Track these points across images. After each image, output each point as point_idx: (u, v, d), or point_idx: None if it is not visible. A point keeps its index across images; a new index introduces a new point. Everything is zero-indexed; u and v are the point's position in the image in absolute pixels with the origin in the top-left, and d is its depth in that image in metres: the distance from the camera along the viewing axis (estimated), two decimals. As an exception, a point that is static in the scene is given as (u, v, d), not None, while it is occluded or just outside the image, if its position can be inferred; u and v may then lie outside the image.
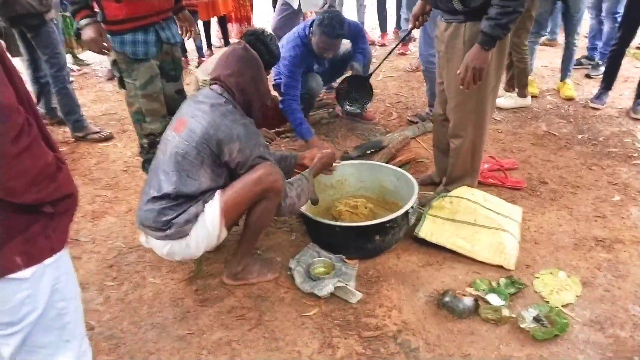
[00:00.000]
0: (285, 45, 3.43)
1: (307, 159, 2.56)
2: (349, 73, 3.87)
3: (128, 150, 3.82)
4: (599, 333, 1.95)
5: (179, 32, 2.84)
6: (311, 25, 3.38)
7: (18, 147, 0.95)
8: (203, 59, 5.94)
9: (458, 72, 2.31)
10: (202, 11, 5.77)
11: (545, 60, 5.29)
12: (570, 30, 4.18)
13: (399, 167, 3.03)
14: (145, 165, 2.75)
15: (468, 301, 2.07)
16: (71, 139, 4.00)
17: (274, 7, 4.76)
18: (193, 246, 2.09)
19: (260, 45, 2.34)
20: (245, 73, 2.18)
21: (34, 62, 3.92)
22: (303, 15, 4.36)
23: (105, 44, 2.47)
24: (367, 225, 2.33)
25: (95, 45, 2.46)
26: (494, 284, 2.20)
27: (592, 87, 4.51)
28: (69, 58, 5.97)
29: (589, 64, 5.03)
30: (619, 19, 4.29)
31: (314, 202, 2.53)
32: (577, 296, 2.13)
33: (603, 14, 4.76)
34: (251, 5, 6.62)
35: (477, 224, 2.46)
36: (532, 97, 4.30)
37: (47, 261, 1.11)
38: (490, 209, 2.53)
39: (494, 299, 2.10)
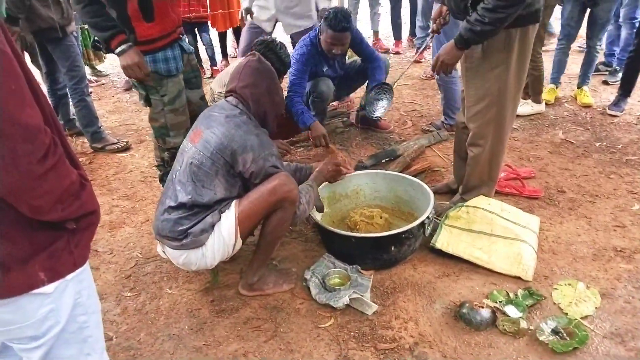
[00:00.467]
0: (295, 46, 3.51)
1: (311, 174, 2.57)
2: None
3: (145, 160, 3.86)
4: (620, 346, 1.92)
5: None
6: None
7: (44, 167, 0.97)
8: (215, 68, 6.01)
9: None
10: (219, 22, 5.85)
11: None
12: (592, 35, 4.15)
13: (414, 176, 3.02)
14: (164, 178, 2.77)
15: (485, 313, 2.05)
16: (89, 150, 4.06)
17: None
18: (209, 256, 2.11)
19: (271, 54, 2.37)
20: (259, 84, 2.21)
21: (51, 74, 4.00)
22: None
23: (146, 69, 2.46)
24: (383, 236, 2.32)
25: (140, 69, 2.43)
26: (511, 295, 2.18)
27: (610, 93, 4.46)
28: (87, 69, 6.09)
29: (607, 70, 4.98)
30: (637, 25, 4.25)
31: (320, 209, 2.55)
32: (596, 308, 2.09)
33: (620, 19, 4.71)
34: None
35: (494, 234, 2.44)
36: (546, 104, 4.27)
37: (69, 276, 1.13)
38: (507, 219, 2.51)
39: (512, 311, 2.08)
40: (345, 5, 6.48)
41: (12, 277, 1.04)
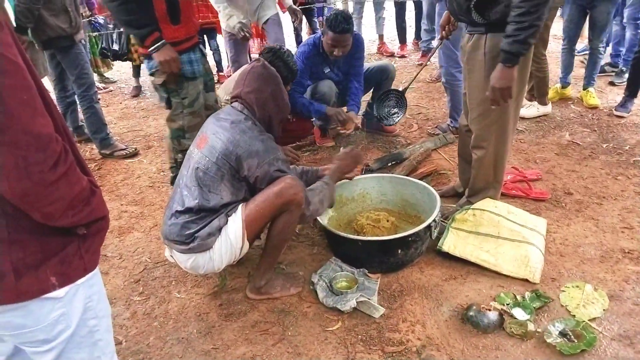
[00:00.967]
0: (299, 47, 3.61)
1: (328, 171, 2.59)
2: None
3: (153, 166, 3.89)
4: (629, 348, 1.91)
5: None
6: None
7: (56, 175, 0.99)
8: (222, 74, 6.04)
9: (487, 93, 2.29)
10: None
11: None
12: (593, 37, 4.15)
13: (421, 179, 3.03)
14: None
15: (493, 315, 2.05)
16: (98, 156, 4.10)
17: (294, 22, 4.75)
18: (216, 259, 2.13)
19: (279, 62, 2.39)
20: (264, 90, 2.23)
21: (60, 82, 4.04)
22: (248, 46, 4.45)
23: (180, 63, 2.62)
24: (390, 239, 2.33)
25: (175, 63, 2.59)
26: (519, 297, 2.18)
27: (616, 94, 4.45)
28: (95, 76, 6.14)
29: (613, 71, 4.97)
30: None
31: (331, 205, 2.57)
32: (604, 310, 2.09)
33: (625, 20, 4.70)
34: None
35: (501, 236, 2.44)
36: (552, 103, 4.28)
37: (80, 280, 1.15)
38: (514, 221, 2.51)
39: (519, 313, 2.08)
40: (350, 9, 6.52)
41: (24, 282, 1.06)
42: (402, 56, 6.35)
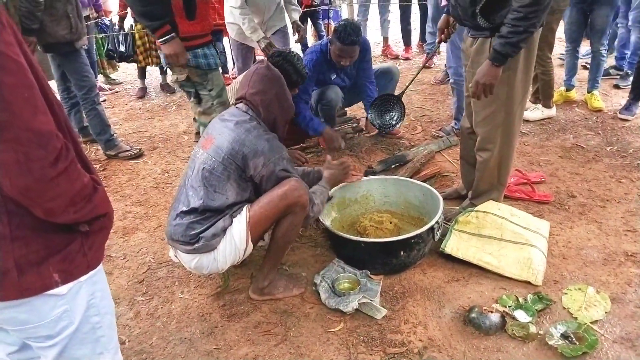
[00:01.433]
0: (305, 54, 3.56)
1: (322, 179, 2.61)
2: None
3: (158, 167, 3.92)
4: (630, 351, 1.91)
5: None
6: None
7: (56, 171, 1.01)
8: (227, 75, 6.06)
9: (470, 85, 2.33)
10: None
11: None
12: (593, 40, 4.18)
13: (424, 181, 3.04)
14: None
15: (495, 317, 2.05)
16: (103, 157, 4.13)
17: (296, 39, 4.67)
18: (220, 260, 2.15)
19: (288, 66, 2.41)
20: (268, 91, 2.24)
21: (64, 83, 4.08)
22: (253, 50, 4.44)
23: (187, 57, 2.74)
24: (393, 241, 2.34)
25: (178, 58, 2.70)
26: (521, 300, 2.18)
27: (621, 97, 4.44)
28: (101, 78, 6.19)
29: (618, 74, 4.96)
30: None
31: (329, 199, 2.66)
32: (606, 312, 2.09)
33: (630, 23, 4.70)
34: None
35: (504, 239, 2.44)
36: (556, 106, 4.29)
37: (83, 277, 1.17)
38: (517, 224, 2.51)
39: (521, 315, 2.08)
40: (355, 12, 6.53)
41: (27, 278, 1.08)
42: (407, 59, 6.36)
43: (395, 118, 3.78)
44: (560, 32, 4.42)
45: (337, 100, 3.71)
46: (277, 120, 2.30)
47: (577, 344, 1.91)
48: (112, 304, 1.31)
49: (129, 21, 5.81)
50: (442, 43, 2.96)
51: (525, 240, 2.42)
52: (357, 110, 4.49)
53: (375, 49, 6.83)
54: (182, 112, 5.22)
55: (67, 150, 1.04)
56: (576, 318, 2.06)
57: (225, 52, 6.11)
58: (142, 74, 5.87)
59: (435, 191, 2.66)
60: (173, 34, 2.65)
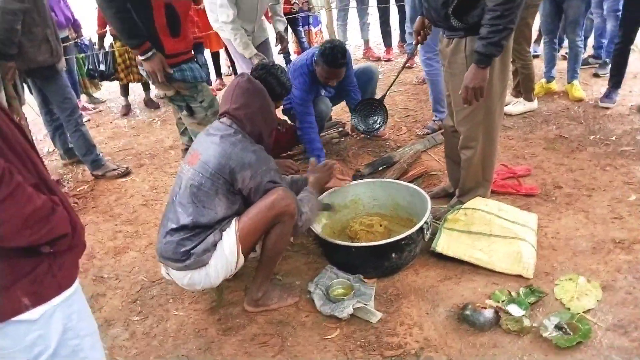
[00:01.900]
0: (292, 73, 3.50)
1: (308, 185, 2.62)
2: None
3: (146, 184, 3.90)
4: (623, 337, 1.93)
5: None
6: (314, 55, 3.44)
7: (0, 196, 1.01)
8: (210, 87, 6.06)
9: (460, 92, 2.34)
10: (212, 42, 5.93)
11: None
12: (568, 31, 4.25)
13: (412, 181, 3.06)
14: None
15: (489, 313, 2.07)
16: (90, 177, 4.10)
17: (279, 50, 4.67)
18: (213, 275, 2.14)
19: (272, 79, 2.42)
20: (251, 104, 2.25)
21: (46, 106, 4.06)
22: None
23: (168, 71, 2.78)
24: (383, 244, 2.35)
25: (158, 75, 2.73)
26: (513, 294, 2.20)
27: (601, 86, 4.49)
28: (83, 97, 6.16)
29: (596, 63, 5.02)
30: (620, 16, 4.30)
31: (328, 208, 2.67)
32: (598, 301, 2.11)
33: (605, 12, 4.76)
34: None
35: (493, 234, 2.46)
36: (537, 98, 4.34)
37: (56, 300, 1.17)
38: (505, 219, 2.53)
39: (515, 310, 2.10)
40: (334, 17, 6.55)
41: None
42: (388, 60, 6.39)
43: (378, 122, 3.82)
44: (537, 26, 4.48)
45: (327, 112, 3.81)
46: (262, 133, 2.30)
47: (571, 334, 1.93)
48: (92, 324, 1.31)
49: (108, 39, 5.79)
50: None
51: (514, 234, 2.44)
52: (343, 115, 4.51)
53: (357, 52, 6.87)
54: (168, 127, 5.21)
55: (10, 175, 1.04)
56: (569, 308, 2.09)
57: (207, 64, 6.11)
58: (124, 91, 5.85)
59: (422, 191, 2.68)
60: (154, 51, 2.68)
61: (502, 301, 2.15)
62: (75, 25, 5.73)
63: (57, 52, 3.63)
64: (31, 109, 4.49)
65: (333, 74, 3.36)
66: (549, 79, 4.53)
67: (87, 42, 5.91)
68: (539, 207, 2.86)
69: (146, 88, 5.95)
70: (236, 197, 2.17)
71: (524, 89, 4.17)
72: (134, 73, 5.61)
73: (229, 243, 2.11)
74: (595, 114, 4.01)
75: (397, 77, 3.67)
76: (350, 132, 4.15)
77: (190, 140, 3.28)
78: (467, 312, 2.09)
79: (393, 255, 2.35)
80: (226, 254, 2.12)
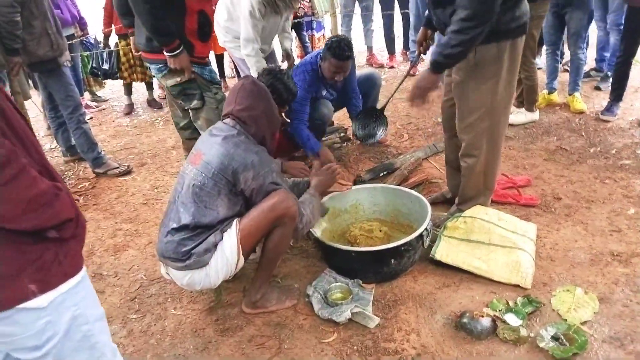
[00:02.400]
0: (295, 70, 3.56)
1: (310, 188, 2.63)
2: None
3: (147, 183, 3.91)
4: (619, 350, 1.94)
5: None
6: (319, 53, 3.49)
7: (4, 177, 1.03)
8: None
9: (459, 98, 2.38)
10: (216, 44, 5.92)
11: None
12: (570, 43, 4.29)
13: (412, 188, 3.07)
14: None
15: (486, 322, 2.08)
16: (92, 175, 4.11)
17: (286, 67, 4.68)
18: (212, 275, 2.15)
19: (279, 84, 2.44)
20: (256, 106, 2.26)
21: (51, 102, 4.07)
22: None
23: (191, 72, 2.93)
24: (383, 249, 2.36)
25: (185, 72, 2.88)
26: (511, 303, 2.21)
27: (602, 99, 4.52)
28: (87, 95, 6.17)
29: (598, 76, 5.05)
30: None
31: (325, 212, 2.68)
32: (594, 313, 2.12)
33: (608, 26, 4.79)
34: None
35: (492, 243, 2.47)
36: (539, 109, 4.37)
37: (64, 288, 1.19)
38: (504, 228, 2.55)
39: (512, 319, 2.11)
40: (339, 23, 6.58)
41: (3, 291, 1.10)
42: (392, 67, 6.42)
43: (378, 131, 3.84)
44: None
45: (329, 116, 3.80)
46: (265, 135, 2.31)
47: (568, 345, 1.94)
48: (100, 310, 1.34)
49: (113, 39, 5.82)
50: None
51: (513, 244, 2.45)
52: (344, 120, 4.53)
53: (360, 58, 6.89)
54: (170, 127, 5.21)
55: (16, 157, 1.06)
56: (566, 319, 2.09)
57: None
58: (128, 90, 5.87)
59: (423, 198, 2.69)
60: (182, 49, 2.79)
61: (500, 310, 2.16)
62: (81, 23, 5.75)
63: (57, 46, 3.64)
64: (34, 105, 4.50)
65: (340, 67, 3.38)
66: (551, 90, 4.56)
67: (92, 41, 5.93)
68: (538, 217, 2.87)
69: (149, 88, 5.97)
70: (238, 198, 2.18)
71: (526, 99, 4.20)
72: (137, 72, 5.64)
73: (229, 244, 2.12)
74: (596, 127, 4.03)
75: (399, 86, 3.68)
76: (351, 138, 4.16)
77: (191, 133, 3.30)
78: (465, 320, 2.10)
79: (392, 260, 2.36)
80: (227, 254, 2.13)
